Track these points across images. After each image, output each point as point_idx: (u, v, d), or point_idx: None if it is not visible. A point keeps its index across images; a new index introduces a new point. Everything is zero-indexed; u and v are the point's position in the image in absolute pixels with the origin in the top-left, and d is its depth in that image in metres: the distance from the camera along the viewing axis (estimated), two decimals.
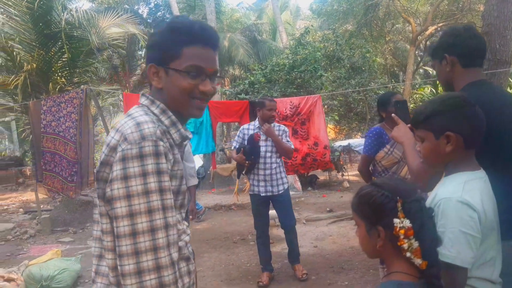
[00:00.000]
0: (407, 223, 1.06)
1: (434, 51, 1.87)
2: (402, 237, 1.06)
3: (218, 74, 1.27)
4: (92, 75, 9.70)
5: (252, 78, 9.32)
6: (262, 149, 3.80)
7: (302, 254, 4.48)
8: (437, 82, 17.72)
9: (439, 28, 15.30)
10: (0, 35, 8.44)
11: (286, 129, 3.93)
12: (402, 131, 1.91)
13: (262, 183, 3.84)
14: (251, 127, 3.97)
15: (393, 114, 2.13)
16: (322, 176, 11.06)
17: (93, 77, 10.14)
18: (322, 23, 21.38)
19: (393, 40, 20.25)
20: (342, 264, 4.56)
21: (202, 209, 7.44)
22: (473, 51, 1.75)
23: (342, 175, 10.26)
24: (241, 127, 4.13)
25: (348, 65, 12.04)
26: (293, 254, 4.11)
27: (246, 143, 3.81)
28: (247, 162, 3.74)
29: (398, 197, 1.09)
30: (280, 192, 3.84)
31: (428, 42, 19.47)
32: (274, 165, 3.82)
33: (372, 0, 14.73)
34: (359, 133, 16.20)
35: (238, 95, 8.90)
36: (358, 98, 12.30)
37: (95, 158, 6.40)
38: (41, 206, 8.40)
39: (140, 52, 17.86)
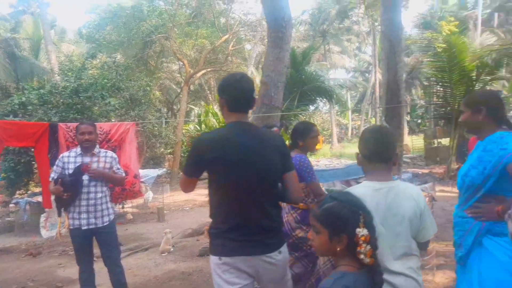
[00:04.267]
0: (365, 231, 1.37)
1: (218, 89, 2.18)
2: (361, 242, 1.36)
3: None
4: None
5: (23, 98, 8.09)
6: (85, 177, 3.45)
7: None
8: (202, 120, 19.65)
9: (208, 73, 17.27)
10: None
11: (114, 155, 3.70)
12: None
13: (84, 215, 3.43)
14: (72, 155, 3.55)
15: None
16: None
17: None
18: (89, 49, 20.60)
19: (162, 77, 21.42)
20: None
21: None
22: (236, 99, 2.04)
23: (123, 207, 9.94)
24: (61, 155, 3.65)
25: (127, 96, 12.02)
26: None
27: (67, 173, 3.39)
28: (65, 194, 3.32)
29: (360, 212, 1.40)
30: (105, 224, 3.54)
31: (192, 85, 21.53)
32: (99, 195, 3.49)
33: (150, 37, 15.36)
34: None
35: (6, 117, 7.53)
36: (136, 130, 12.37)
37: None
38: None
39: None
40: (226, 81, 2.11)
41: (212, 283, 2.06)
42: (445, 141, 15.87)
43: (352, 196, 1.49)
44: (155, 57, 18.39)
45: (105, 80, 9.56)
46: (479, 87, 10.03)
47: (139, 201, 10.30)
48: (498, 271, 1.94)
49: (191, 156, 2.07)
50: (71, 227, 3.47)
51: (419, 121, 29.00)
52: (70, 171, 3.42)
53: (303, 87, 14.07)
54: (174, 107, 23.98)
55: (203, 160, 2.00)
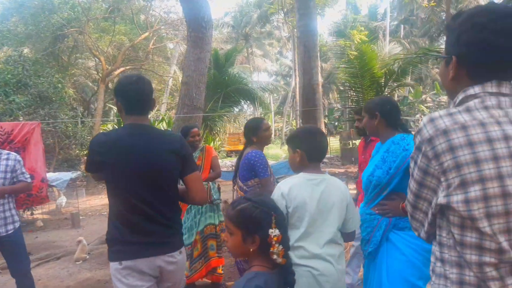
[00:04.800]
0: (277, 232, 1.39)
1: (114, 92, 2.17)
2: (274, 243, 1.38)
3: None
4: None
5: None
6: None
7: None
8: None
9: (127, 70, 16.52)
10: None
11: (19, 157, 3.37)
12: None
13: None
14: None
15: None
16: None
17: None
18: None
19: (77, 74, 20.11)
20: None
21: None
22: (131, 102, 2.02)
23: (32, 214, 9.14)
24: None
25: (35, 93, 11.09)
26: None
27: None
28: None
29: (273, 213, 1.42)
30: (10, 232, 3.23)
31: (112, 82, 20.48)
32: (1, 201, 3.17)
33: (62, 31, 14.31)
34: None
35: None
36: (47, 130, 11.48)
37: None
38: None
39: None
40: (121, 83, 2.07)
41: None
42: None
43: (265, 197, 1.53)
44: (68, 53, 17.21)
45: (9, 76, 8.72)
46: (387, 93, 10.84)
47: (51, 206, 9.56)
48: (403, 263, 2.11)
49: (88, 155, 2.06)
50: None
51: (336, 123, 30.69)
52: None
53: (226, 88, 14.12)
54: (92, 106, 22.65)
55: (95, 161, 1.99)
